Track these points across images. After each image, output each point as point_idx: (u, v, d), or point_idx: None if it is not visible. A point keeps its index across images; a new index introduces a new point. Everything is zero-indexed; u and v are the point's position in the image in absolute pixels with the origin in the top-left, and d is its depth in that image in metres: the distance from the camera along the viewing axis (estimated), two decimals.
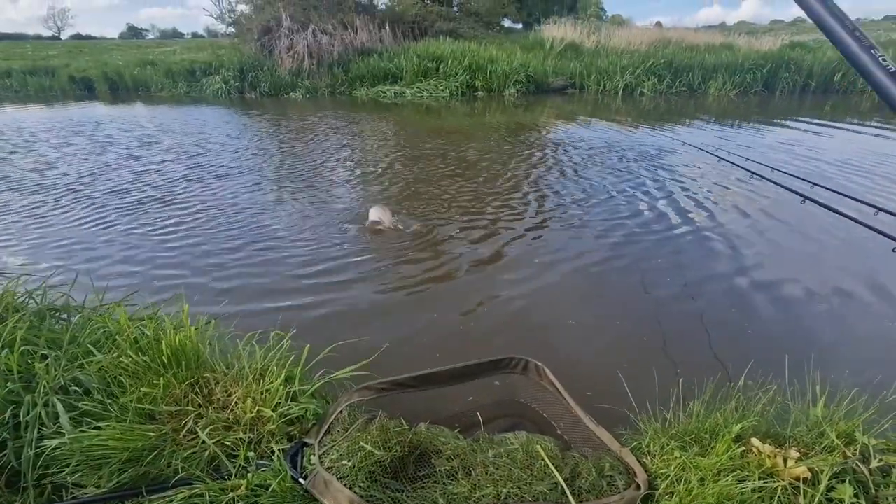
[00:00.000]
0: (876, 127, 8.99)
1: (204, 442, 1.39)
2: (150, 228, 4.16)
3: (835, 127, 8.97)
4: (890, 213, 1.81)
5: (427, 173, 5.79)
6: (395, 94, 14.10)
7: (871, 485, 1.27)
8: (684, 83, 14.53)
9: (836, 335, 2.50)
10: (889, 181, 5.23)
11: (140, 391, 1.49)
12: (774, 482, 1.28)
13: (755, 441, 1.41)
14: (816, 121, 9.72)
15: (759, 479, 1.29)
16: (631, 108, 11.74)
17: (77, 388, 1.51)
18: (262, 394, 1.60)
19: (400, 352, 2.39)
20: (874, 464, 1.31)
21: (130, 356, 1.57)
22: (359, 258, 3.48)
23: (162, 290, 2.99)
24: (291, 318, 2.65)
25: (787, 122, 9.47)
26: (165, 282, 3.16)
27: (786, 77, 14.58)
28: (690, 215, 4.24)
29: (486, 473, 1.38)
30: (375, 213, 4.06)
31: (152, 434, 1.38)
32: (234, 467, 1.35)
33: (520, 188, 5.18)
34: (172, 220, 4.35)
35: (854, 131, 8.56)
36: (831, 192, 2.31)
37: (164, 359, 1.60)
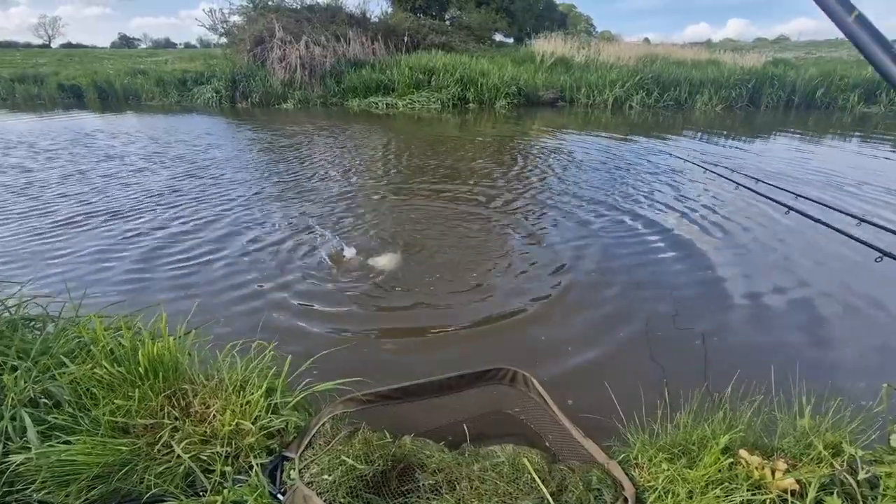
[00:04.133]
0: (858, 140, 9.19)
1: (179, 456, 1.34)
2: (129, 239, 4.09)
3: (817, 141, 9.15)
4: (872, 223, 1.83)
5: (417, 186, 5.78)
6: (386, 105, 14.17)
7: (860, 496, 1.26)
8: (672, 97, 14.79)
9: (820, 345, 2.51)
10: (872, 193, 5.32)
11: (114, 403, 1.44)
12: (762, 494, 1.26)
13: (743, 452, 1.40)
14: (800, 133, 9.92)
15: (748, 490, 1.27)
16: (620, 121, 11.90)
17: (47, 401, 1.45)
18: (241, 406, 1.55)
19: (388, 363, 2.35)
20: (862, 475, 1.30)
21: (105, 367, 1.52)
22: (346, 277, 3.45)
23: (141, 301, 2.93)
24: (274, 330, 2.61)
25: (773, 136, 9.65)
26: (145, 294, 3.10)
27: (770, 92, 14.90)
28: (678, 227, 4.27)
29: (472, 488, 1.35)
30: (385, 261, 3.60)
31: (125, 448, 1.33)
32: (210, 483, 1.30)
33: (510, 197, 5.20)
34: (153, 233, 4.29)
35: (835, 146, 8.74)
36: (815, 203, 2.33)
37: (141, 370, 1.55)
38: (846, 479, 1.30)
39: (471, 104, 14.29)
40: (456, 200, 5.11)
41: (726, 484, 1.31)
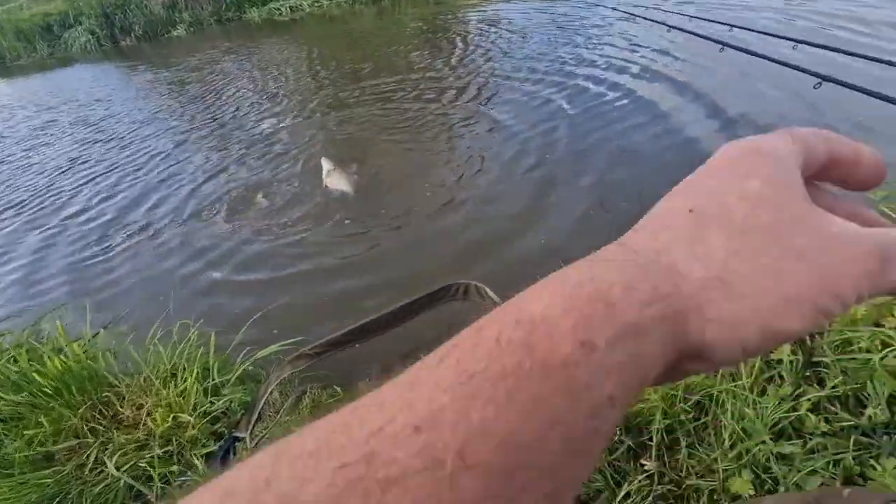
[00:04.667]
0: None
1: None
2: (21, 232, 3.65)
3: None
4: (809, 43, 1.67)
5: (356, 95, 5.25)
6: (290, 8, 12.50)
7: (806, 336, 1.27)
8: None
9: None
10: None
11: (24, 435, 1.29)
12: None
13: None
14: None
15: None
16: None
17: None
18: (175, 398, 1.43)
19: (335, 304, 2.23)
20: None
21: (2, 398, 1.34)
22: (271, 220, 3.17)
23: (39, 306, 2.62)
24: (200, 305, 2.38)
25: None
26: (44, 297, 2.76)
27: None
28: (638, 86, 3.99)
29: None
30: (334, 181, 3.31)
31: (50, 480, 1.20)
32: (154, 490, 1.21)
33: (460, 84, 4.78)
34: (46, 219, 3.82)
35: None
36: (752, 32, 2.14)
37: (48, 390, 1.38)
38: None
39: None
40: (404, 101, 4.64)
41: None
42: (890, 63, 1.37)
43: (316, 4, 12.39)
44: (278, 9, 12.55)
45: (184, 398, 1.42)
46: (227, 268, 2.65)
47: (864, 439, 1.04)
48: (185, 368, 1.50)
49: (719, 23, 2.33)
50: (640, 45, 4.94)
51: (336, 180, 3.22)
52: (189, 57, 9.20)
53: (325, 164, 3.32)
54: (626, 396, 0.17)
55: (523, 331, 0.17)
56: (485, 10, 8.27)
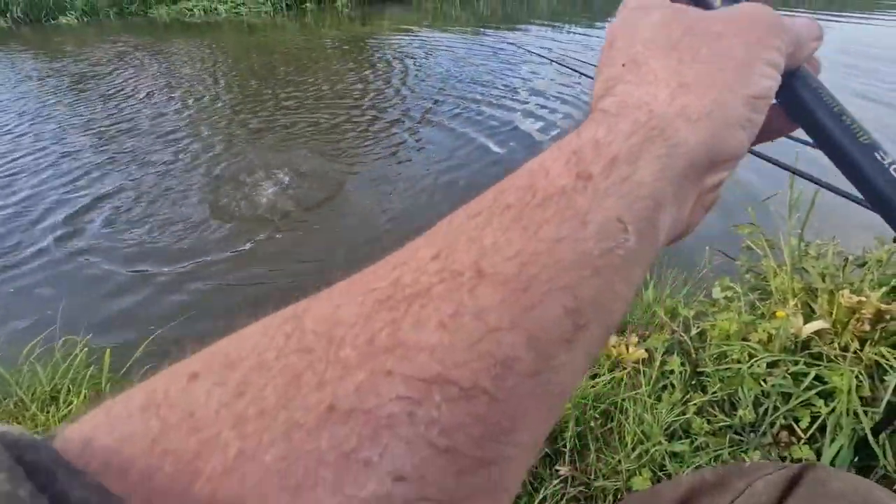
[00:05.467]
0: None
1: None
2: None
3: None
4: None
5: (280, 123, 5.04)
6: (204, 10, 11.83)
7: (692, 350, 1.45)
8: None
9: None
10: None
11: None
12: (620, 371, 1.38)
13: None
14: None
15: (608, 371, 1.39)
16: (470, 15, 11.49)
17: None
18: (58, 423, 1.25)
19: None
20: (693, 332, 1.49)
21: None
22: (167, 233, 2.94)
23: None
24: (95, 318, 2.14)
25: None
26: None
27: None
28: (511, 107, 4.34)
29: None
30: None
31: None
32: None
33: (386, 118, 4.81)
34: None
35: None
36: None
37: None
38: (682, 337, 1.49)
39: (308, 3, 12.58)
40: (330, 132, 4.49)
41: (591, 368, 1.42)
42: None
43: (233, 11, 11.87)
44: (190, 9, 11.82)
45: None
46: (127, 279, 2.39)
47: (737, 437, 1.21)
48: (70, 390, 1.32)
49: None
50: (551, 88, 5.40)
51: None
52: (87, 50, 8.27)
53: None
54: (640, 220, 0.17)
55: (522, 179, 0.18)
56: (413, 36, 8.51)
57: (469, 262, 0.15)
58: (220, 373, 0.14)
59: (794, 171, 1.27)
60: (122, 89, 5.85)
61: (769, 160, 1.28)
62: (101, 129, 4.58)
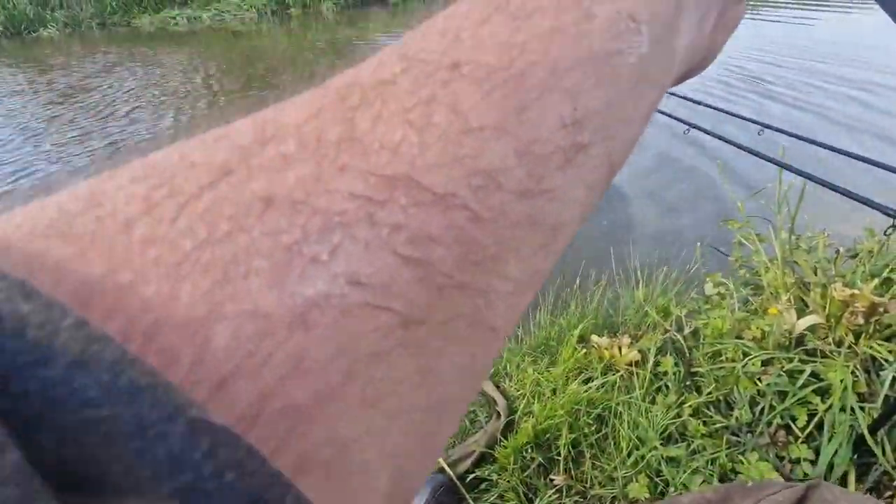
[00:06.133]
0: None
1: None
2: None
3: None
4: (677, 95, 1.94)
5: None
6: (188, 19, 11.76)
7: (686, 350, 1.43)
8: None
9: (643, 217, 2.82)
10: None
11: None
12: (613, 374, 1.36)
13: (595, 338, 1.48)
14: None
15: (601, 374, 1.36)
16: None
17: None
18: None
19: None
20: (686, 331, 1.47)
21: None
22: None
23: None
24: None
25: None
26: None
27: None
28: None
29: None
30: None
31: None
32: None
33: None
34: None
35: None
36: None
37: None
38: (675, 336, 1.47)
39: (292, 9, 12.53)
40: None
41: (584, 372, 1.39)
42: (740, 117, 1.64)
43: (217, 18, 11.79)
44: (174, 18, 11.73)
45: None
46: None
47: (734, 438, 1.19)
48: None
49: None
50: None
51: None
52: (75, 63, 8.16)
53: None
54: (657, 23, 0.15)
55: None
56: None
57: (441, 51, 0.13)
58: (135, 170, 0.11)
59: (782, 165, 1.25)
60: (110, 102, 5.77)
61: (758, 155, 1.26)
62: (92, 144, 4.51)
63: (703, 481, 1.09)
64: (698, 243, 1.74)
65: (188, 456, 0.07)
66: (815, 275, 1.38)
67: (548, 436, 1.25)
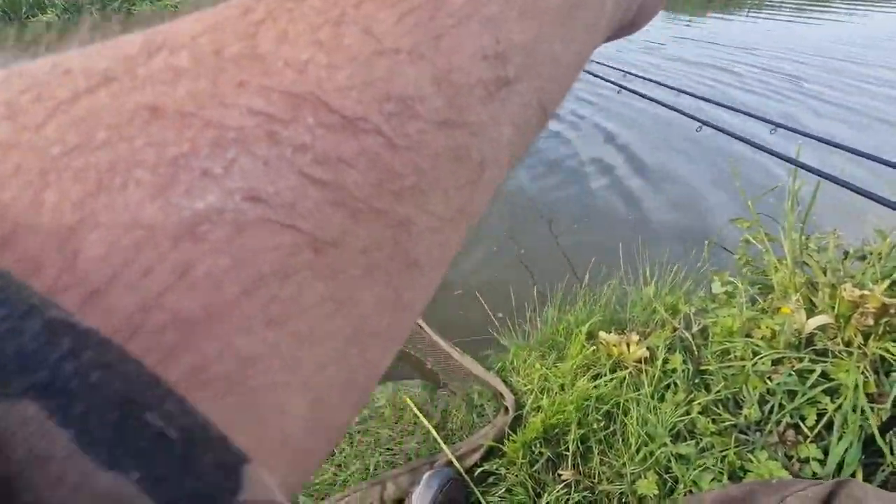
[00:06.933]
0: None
1: None
2: None
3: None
4: (690, 94, 1.93)
5: None
6: (192, 3, 11.64)
7: (694, 347, 1.43)
8: None
9: (653, 216, 2.81)
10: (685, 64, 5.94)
11: None
12: (622, 371, 1.35)
13: (603, 335, 1.48)
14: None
15: (610, 371, 1.36)
16: None
17: None
18: None
19: None
20: (695, 329, 1.47)
21: None
22: None
23: None
24: None
25: None
26: None
27: None
28: None
29: (352, 446, 1.25)
30: None
31: None
32: None
33: None
34: None
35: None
36: (643, 79, 2.43)
37: None
38: (684, 334, 1.46)
39: None
40: None
41: (592, 369, 1.39)
42: (754, 116, 1.64)
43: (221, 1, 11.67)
44: (175, 7, 11.62)
45: None
46: None
47: (742, 436, 1.19)
48: None
49: (615, 68, 2.62)
50: None
51: None
52: (76, 47, 8.09)
53: None
54: None
55: None
56: None
57: None
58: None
59: (797, 164, 1.24)
60: None
61: (771, 153, 1.25)
62: None
63: (713, 479, 1.09)
64: (706, 241, 1.73)
65: (44, 355, 0.07)
66: (825, 275, 1.38)
67: (556, 431, 1.25)
